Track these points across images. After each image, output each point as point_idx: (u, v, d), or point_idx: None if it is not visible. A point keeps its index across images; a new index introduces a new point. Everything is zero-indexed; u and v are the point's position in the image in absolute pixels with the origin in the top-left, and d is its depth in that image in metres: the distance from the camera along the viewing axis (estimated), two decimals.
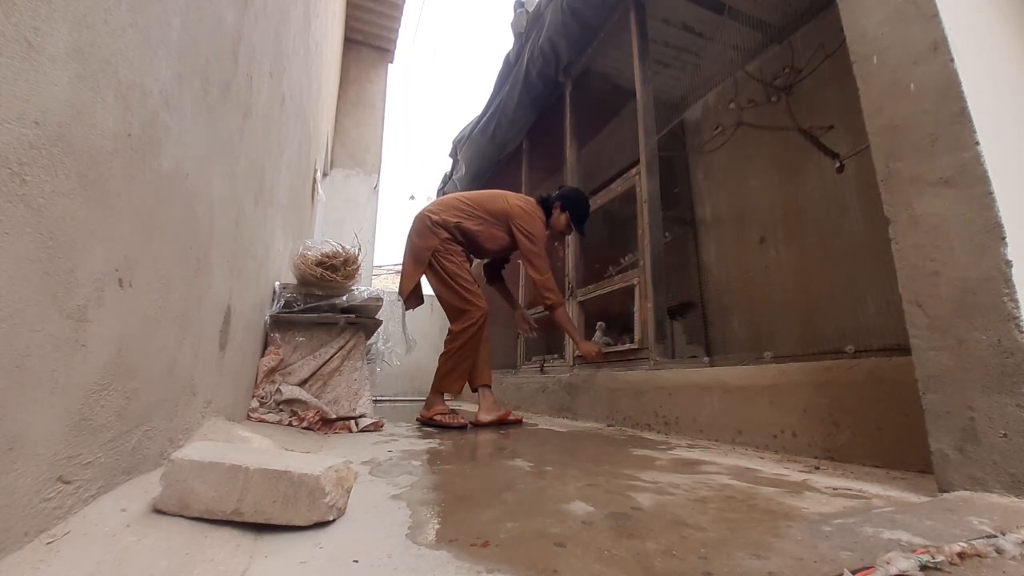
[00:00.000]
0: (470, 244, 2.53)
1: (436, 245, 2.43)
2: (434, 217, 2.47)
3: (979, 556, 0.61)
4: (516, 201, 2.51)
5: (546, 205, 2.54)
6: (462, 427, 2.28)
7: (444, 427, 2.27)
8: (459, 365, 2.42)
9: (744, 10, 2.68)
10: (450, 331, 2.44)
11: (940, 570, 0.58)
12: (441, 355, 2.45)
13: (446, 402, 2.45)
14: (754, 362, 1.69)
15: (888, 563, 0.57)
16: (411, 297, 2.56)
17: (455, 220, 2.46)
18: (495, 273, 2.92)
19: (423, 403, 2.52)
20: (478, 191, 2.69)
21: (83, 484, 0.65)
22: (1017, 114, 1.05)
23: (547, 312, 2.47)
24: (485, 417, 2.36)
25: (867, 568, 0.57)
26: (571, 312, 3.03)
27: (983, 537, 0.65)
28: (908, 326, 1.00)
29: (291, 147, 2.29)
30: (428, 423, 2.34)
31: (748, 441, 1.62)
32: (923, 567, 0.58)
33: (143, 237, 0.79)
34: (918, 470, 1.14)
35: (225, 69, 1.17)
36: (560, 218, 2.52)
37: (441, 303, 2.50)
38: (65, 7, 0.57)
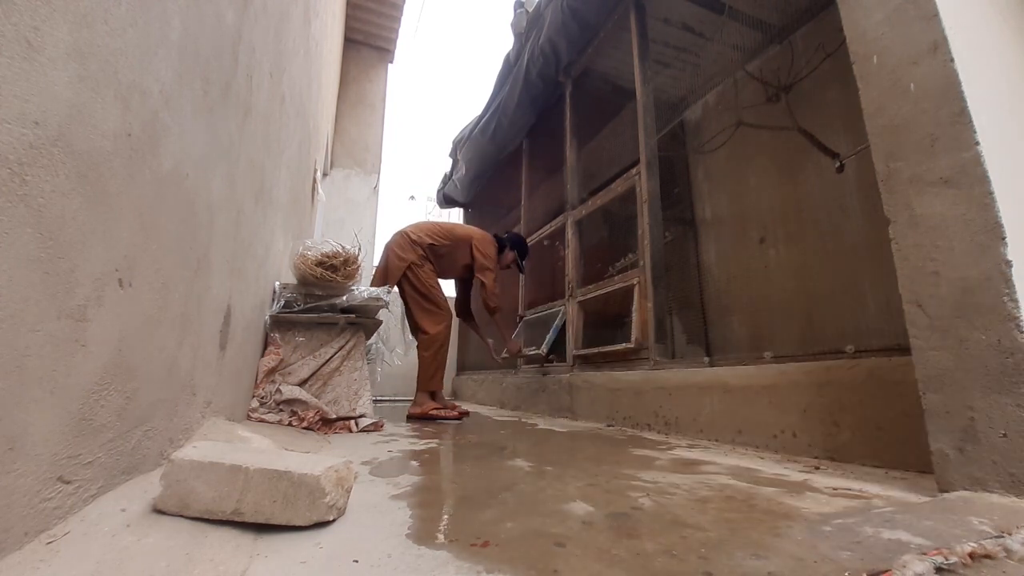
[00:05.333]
0: (437, 263, 3.00)
1: (413, 259, 2.84)
2: (413, 236, 2.91)
3: (988, 556, 0.61)
4: (476, 232, 3.15)
5: (500, 242, 3.16)
6: (459, 417, 2.41)
7: (442, 420, 2.32)
8: (442, 364, 2.79)
9: (744, 10, 2.68)
10: (426, 333, 2.76)
11: (953, 572, 0.58)
12: (423, 357, 2.75)
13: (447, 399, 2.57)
14: (754, 362, 1.69)
15: (904, 567, 0.57)
16: None
17: (429, 241, 2.92)
18: (466, 311, 3.45)
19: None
20: (448, 222, 3.32)
21: (83, 484, 0.65)
22: (1017, 114, 1.05)
23: (489, 312, 3.02)
24: (415, 410, 2.67)
25: (884, 571, 0.57)
26: (571, 311, 3.04)
27: (992, 537, 0.65)
28: (908, 326, 1.00)
29: (291, 147, 2.29)
30: (424, 418, 2.44)
31: (748, 441, 1.62)
32: (938, 569, 0.58)
33: (143, 237, 0.79)
34: (918, 470, 1.14)
35: (225, 69, 1.16)
36: (508, 255, 3.17)
37: (413, 308, 2.85)
38: (65, 7, 0.57)
